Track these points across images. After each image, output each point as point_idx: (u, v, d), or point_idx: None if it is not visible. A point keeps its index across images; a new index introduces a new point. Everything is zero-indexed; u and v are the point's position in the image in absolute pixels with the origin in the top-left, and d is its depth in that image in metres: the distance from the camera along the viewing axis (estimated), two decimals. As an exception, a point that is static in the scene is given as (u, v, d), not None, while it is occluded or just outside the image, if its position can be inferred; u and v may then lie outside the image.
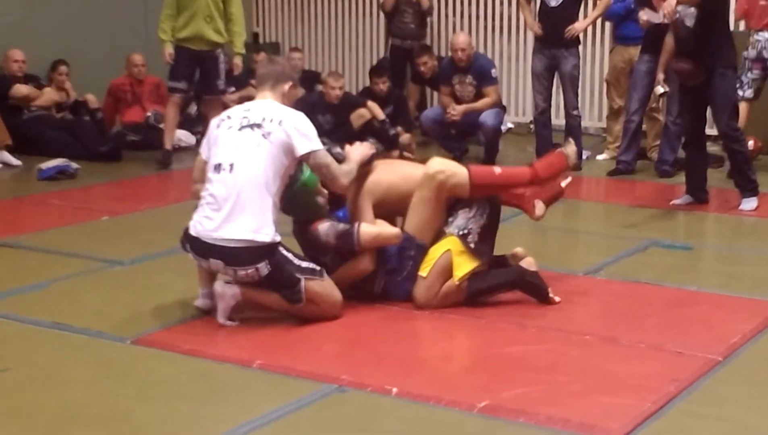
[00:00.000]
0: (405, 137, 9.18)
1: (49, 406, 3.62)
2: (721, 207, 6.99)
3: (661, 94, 7.19)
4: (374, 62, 11.17)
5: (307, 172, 4.50)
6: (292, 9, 12.37)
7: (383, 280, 4.69)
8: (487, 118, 8.66)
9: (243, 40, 8.75)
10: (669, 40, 7.02)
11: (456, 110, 8.75)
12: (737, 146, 6.84)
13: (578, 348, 4.16)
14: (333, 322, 4.43)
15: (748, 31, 8.69)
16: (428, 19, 10.98)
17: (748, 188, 6.87)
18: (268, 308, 4.47)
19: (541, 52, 8.56)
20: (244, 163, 4.34)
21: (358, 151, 4.66)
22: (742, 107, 8.12)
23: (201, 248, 4.37)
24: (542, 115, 8.66)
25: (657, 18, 7.06)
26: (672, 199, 7.11)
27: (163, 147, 8.71)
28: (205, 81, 8.65)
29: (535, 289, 4.71)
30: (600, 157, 8.98)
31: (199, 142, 5.47)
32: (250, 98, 4.99)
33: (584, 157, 8.76)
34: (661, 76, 7.09)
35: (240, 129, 4.42)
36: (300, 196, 4.52)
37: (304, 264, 4.40)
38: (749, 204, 6.86)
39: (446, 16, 11.42)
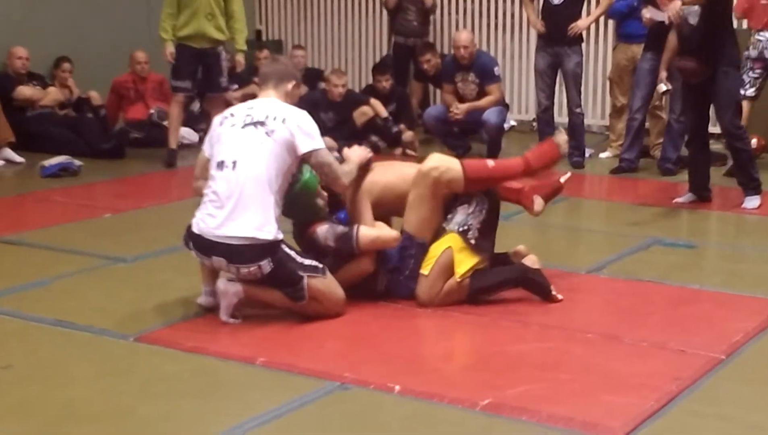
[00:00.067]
0: (408, 135, 9.19)
1: (51, 403, 3.62)
2: (724, 205, 6.98)
3: (664, 92, 7.17)
4: (377, 60, 11.15)
5: (307, 173, 4.49)
6: (294, 6, 12.35)
7: (386, 278, 4.69)
8: (490, 115, 8.64)
9: (244, 37, 8.73)
10: (672, 38, 7.00)
11: (459, 109, 8.73)
12: (740, 144, 6.83)
13: (581, 346, 4.16)
14: (335, 319, 4.43)
15: (749, 31, 8.69)
16: (431, 17, 10.95)
17: (751, 186, 6.87)
18: (271, 306, 4.47)
19: (544, 50, 8.56)
20: (247, 160, 4.34)
21: (357, 153, 4.68)
22: (744, 106, 8.15)
23: (204, 246, 4.37)
24: (545, 112, 8.66)
25: (660, 16, 7.06)
26: (675, 197, 7.11)
27: (167, 146, 8.70)
28: (208, 79, 8.61)
29: (537, 287, 4.71)
30: (603, 155, 8.98)
31: (201, 140, 5.47)
32: (253, 96, 4.99)
33: (587, 154, 8.77)
34: (664, 74, 7.07)
35: (243, 126, 4.42)
36: (300, 197, 4.51)
37: (307, 261, 4.40)
38: (752, 202, 6.86)
39: (449, 13, 11.41)
